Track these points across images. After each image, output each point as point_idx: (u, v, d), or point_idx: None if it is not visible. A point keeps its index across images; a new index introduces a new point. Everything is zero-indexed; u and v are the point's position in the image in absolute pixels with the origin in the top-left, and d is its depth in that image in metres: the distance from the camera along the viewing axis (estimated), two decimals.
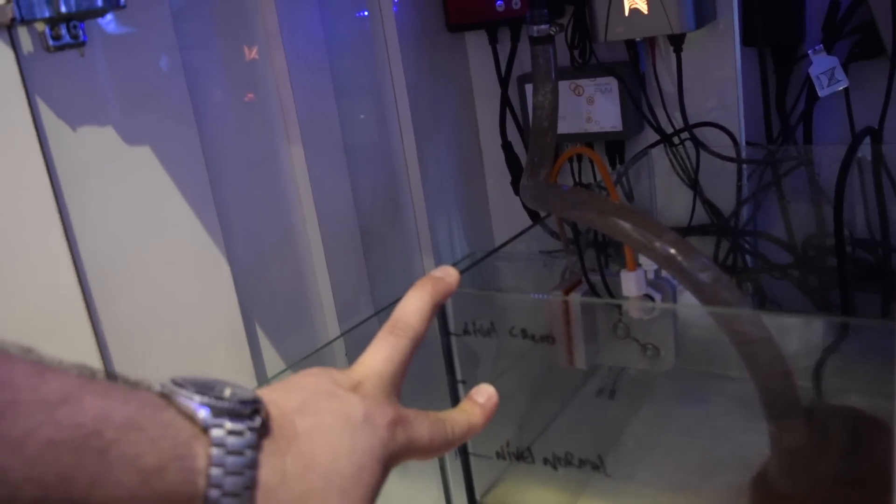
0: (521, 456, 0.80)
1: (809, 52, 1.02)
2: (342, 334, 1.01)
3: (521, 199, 1.17)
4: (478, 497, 0.86)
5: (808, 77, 1.02)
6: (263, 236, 0.98)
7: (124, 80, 0.79)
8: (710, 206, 1.08)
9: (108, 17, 0.77)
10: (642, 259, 0.84)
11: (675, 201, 1.10)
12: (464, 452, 0.83)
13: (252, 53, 0.96)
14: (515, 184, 1.25)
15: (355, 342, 0.96)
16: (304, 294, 1.04)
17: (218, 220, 0.88)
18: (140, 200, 0.81)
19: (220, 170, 0.90)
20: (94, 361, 0.75)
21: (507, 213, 1.32)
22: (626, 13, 0.99)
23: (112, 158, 0.78)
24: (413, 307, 0.52)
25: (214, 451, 0.38)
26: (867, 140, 0.96)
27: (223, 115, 0.92)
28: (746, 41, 1.06)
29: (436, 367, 0.80)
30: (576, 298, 0.85)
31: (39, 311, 0.71)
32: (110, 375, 0.38)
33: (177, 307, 0.85)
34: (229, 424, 0.39)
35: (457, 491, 0.85)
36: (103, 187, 0.77)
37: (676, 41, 1.03)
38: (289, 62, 0.97)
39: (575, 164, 1.20)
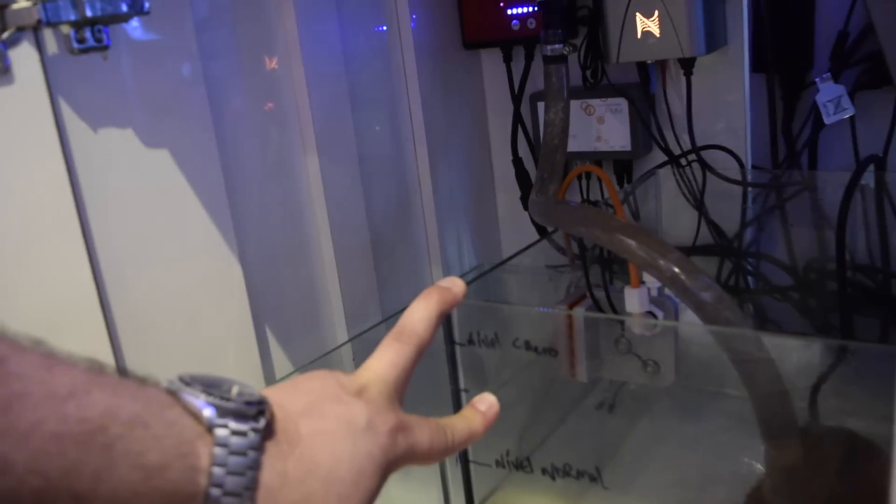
0: (521, 465, 0.79)
1: (817, 80, 1.01)
2: (350, 339, 1.00)
3: (529, 214, 1.17)
4: None
5: (815, 104, 1.02)
6: (276, 241, 0.98)
7: (146, 84, 0.79)
8: (714, 228, 1.08)
9: (133, 22, 0.77)
10: (646, 277, 0.84)
11: (680, 221, 1.10)
12: (464, 460, 0.83)
13: (272, 63, 0.96)
14: (525, 199, 1.25)
15: (363, 347, 0.96)
16: (315, 299, 1.04)
17: (232, 224, 0.88)
18: (157, 202, 0.81)
19: (236, 175, 0.90)
20: (106, 356, 0.75)
21: (515, 227, 1.32)
22: (639, 36, 0.98)
23: (131, 160, 0.78)
24: (419, 315, 0.52)
25: (217, 450, 0.38)
26: (870, 168, 0.96)
27: (241, 122, 0.92)
28: (756, 67, 1.06)
29: (440, 376, 0.80)
30: (579, 313, 0.85)
31: (55, 306, 0.71)
32: (119, 371, 0.38)
33: (189, 307, 0.84)
34: (233, 425, 0.39)
35: (456, 497, 0.84)
36: (121, 188, 0.77)
37: (687, 65, 1.03)
38: (307, 73, 0.97)
39: (583, 182, 1.20)
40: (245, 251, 0.91)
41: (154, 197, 0.80)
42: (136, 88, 0.78)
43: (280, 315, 0.98)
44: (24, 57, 0.67)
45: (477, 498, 0.85)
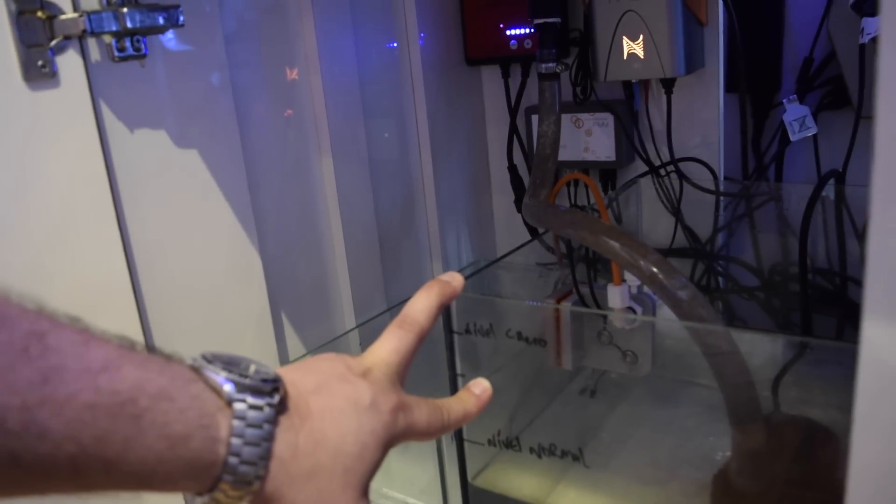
0: (510, 444, 0.79)
1: (784, 100, 1.01)
2: (358, 326, 1.00)
3: (522, 216, 1.16)
4: (469, 478, 0.85)
5: (782, 123, 1.02)
6: (293, 236, 0.97)
7: (179, 91, 0.79)
8: (689, 232, 1.08)
9: (168, 34, 0.77)
10: (627, 275, 0.83)
11: (658, 226, 1.09)
12: (459, 438, 0.82)
13: (292, 74, 0.96)
14: (518, 202, 1.24)
15: (369, 333, 0.96)
16: (326, 289, 1.04)
17: (253, 218, 0.88)
18: (186, 197, 0.80)
19: (258, 175, 0.90)
20: (137, 336, 0.75)
21: (509, 227, 1.31)
22: (625, 57, 0.98)
23: (163, 159, 0.78)
24: (421, 305, 0.52)
25: (236, 422, 0.38)
26: (831, 181, 0.96)
27: (264, 126, 0.92)
28: (729, 88, 1.05)
29: (439, 362, 0.80)
30: (566, 307, 0.85)
31: (92, 291, 0.71)
32: (148, 348, 0.38)
33: (212, 293, 0.84)
34: (251, 400, 0.39)
35: (451, 472, 0.84)
36: (154, 184, 0.77)
37: (668, 84, 1.03)
38: (324, 83, 0.97)
39: (572, 189, 1.20)
40: (264, 244, 0.91)
41: (183, 192, 0.80)
42: (170, 94, 0.78)
43: (295, 302, 0.97)
44: (69, 63, 0.67)
45: (470, 473, 0.85)
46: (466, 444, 0.83)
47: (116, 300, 0.74)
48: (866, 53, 0.91)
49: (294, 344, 0.97)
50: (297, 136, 0.97)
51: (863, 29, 0.90)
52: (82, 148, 0.69)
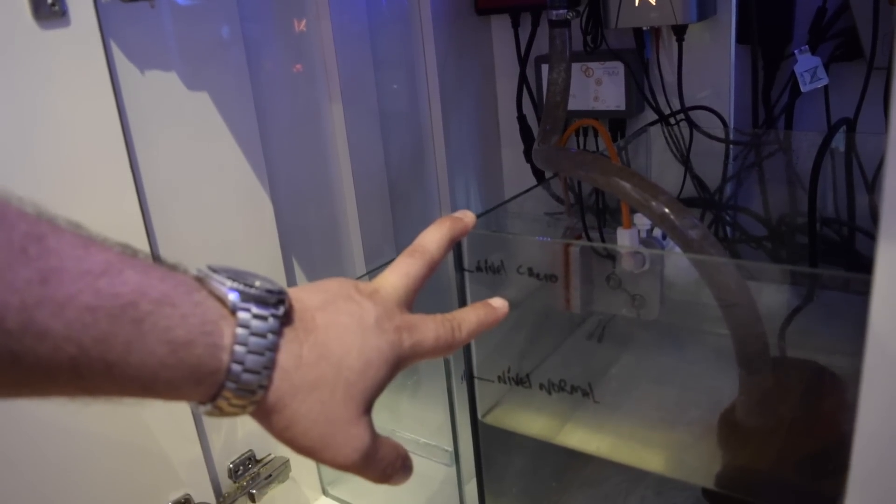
0: (520, 381, 0.79)
1: (796, 51, 0.99)
2: (367, 273, 1.00)
3: (532, 163, 1.16)
4: (479, 416, 0.85)
5: (793, 74, 1.00)
6: (304, 184, 0.97)
7: (189, 35, 0.78)
8: (698, 181, 1.07)
9: None
10: (636, 219, 0.83)
11: (668, 175, 1.08)
12: (469, 376, 0.82)
13: (301, 25, 0.94)
14: (527, 152, 1.23)
15: None
16: (337, 236, 1.03)
17: (265, 165, 0.87)
18: (197, 141, 0.80)
19: (269, 123, 0.90)
20: None
21: (518, 178, 1.30)
22: (636, 3, 0.96)
23: (175, 101, 0.77)
24: (432, 236, 0.52)
25: (240, 330, 0.38)
26: (840, 133, 0.94)
27: (275, 75, 0.91)
28: (741, 38, 1.04)
29: (451, 300, 0.79)
30: (576, 243, 0.84)
31: (104, 231, 0.70)
32: (154, 257, 0.38)
33: (224, 237, 0.84)
34: (255, 309, 0.38)
35: (461, 410, 0.84)
36: (166, 127, 0.76)
37: (679, 31, 1.01)
38: (335, 33, 0.96)
39: (581, 138, 1.18)
40: (276, 191, 0.90)
41: (195, 135, 0.80)
42: (180, 37, 0.77)
43: (305, 249, 0.97)
44: (79, 2, 0.66)
45: (480, 411, 0.85)
46: (477, 383, 0.83)
47: (129, 240, 0.73)
48: (880, 3, 0.90)
49: None
50: (308, 85, 0.96)
51: None
52: (93, 88, 0.69)
